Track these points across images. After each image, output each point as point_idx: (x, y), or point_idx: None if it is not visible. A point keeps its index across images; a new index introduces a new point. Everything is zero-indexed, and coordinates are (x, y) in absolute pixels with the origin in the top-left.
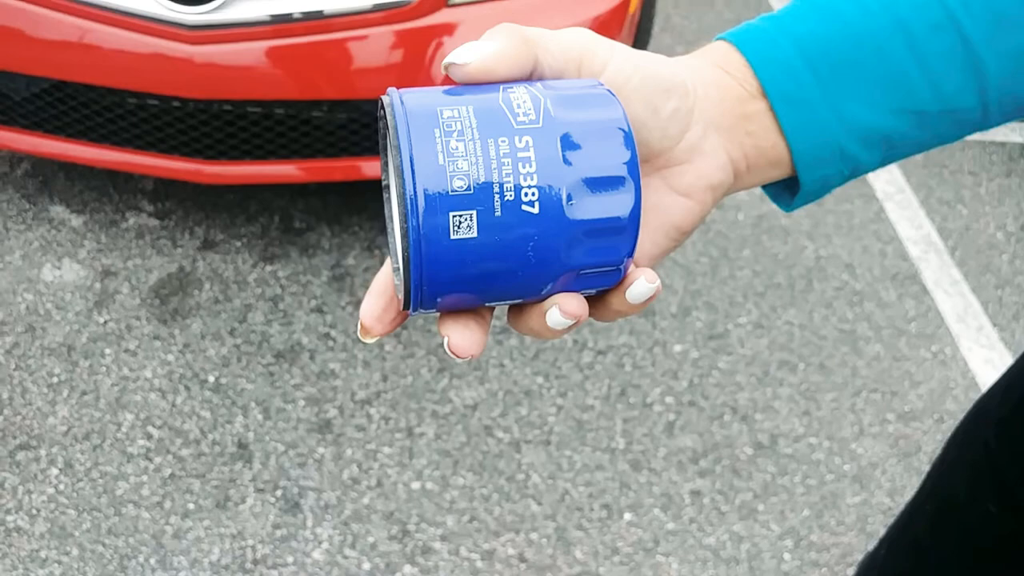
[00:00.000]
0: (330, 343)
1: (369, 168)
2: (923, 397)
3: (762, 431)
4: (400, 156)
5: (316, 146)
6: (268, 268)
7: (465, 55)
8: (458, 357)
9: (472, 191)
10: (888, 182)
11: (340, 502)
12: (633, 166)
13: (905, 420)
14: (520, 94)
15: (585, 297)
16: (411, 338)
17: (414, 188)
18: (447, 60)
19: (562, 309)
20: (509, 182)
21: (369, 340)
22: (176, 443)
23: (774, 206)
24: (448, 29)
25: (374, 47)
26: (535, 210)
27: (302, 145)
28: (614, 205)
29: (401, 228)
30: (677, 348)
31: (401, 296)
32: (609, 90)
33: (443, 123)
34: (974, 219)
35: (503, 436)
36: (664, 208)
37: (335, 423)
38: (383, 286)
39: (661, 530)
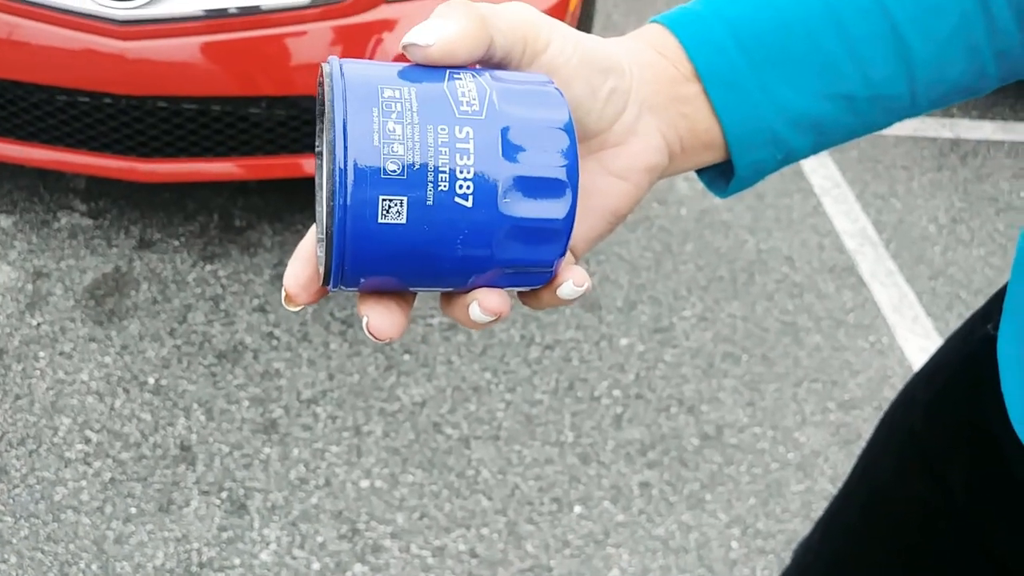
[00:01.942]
0: (274, 342)
1: (309, 165)
2: (862, 386)
3: (708, 422)
4: (334, 133)
5: (255, 143)
6: (208, 267)
7: (427, 35)
8: (377, 339)
9: (405, 176)
10: (825, 177)
11: (287, 502)
12: (573, 170)
13: (845, 408)
14: (466, 82)
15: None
16: (357, 336)
17: (344, 168)
18: (406, 40)
19: (481, 305)
20: (445, 172)
21: (293, 308)
22: (116, 446)
23: (716, 201)
24: (387, 25)
25: (312, 43)
26: (468, 203)
27: (240, 142)
28: (550, 208)
29: (327, 206)
30: (623, 342)
31: (322, 270)
32: (558, 89)
33: (382, 103)
34: (907, 212)
35: (452, 432)
36: (600, 191)
37: (281, 423)
38: (308, 253)
39: (611, 522)
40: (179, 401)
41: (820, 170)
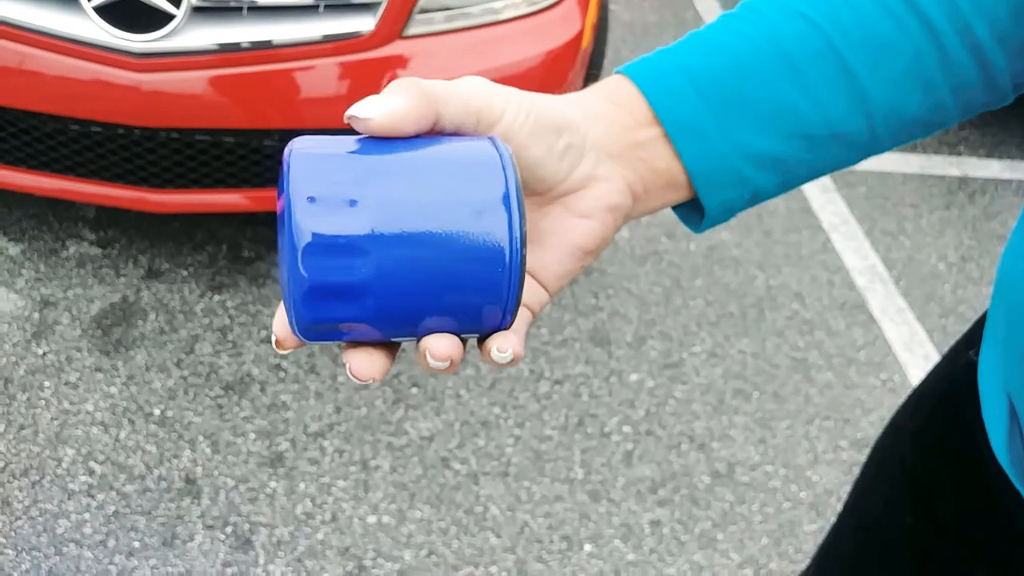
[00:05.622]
0: (281, 374)
1: None
2: (874, 424)
3: (719, 459)
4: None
5: (266, 175)
6: (216, 298)
7: (368, 110)
8: (359, 380)
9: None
10: (833, 213)
11: (293, 538)
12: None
13: (858, 447)
14: None
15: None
16: None
17: None
18: (350, 112)
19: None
20: None
21: (283, 351)
22: (120, 479)
23: (725, 237)
24: (402, 61)
25: (325, 78)
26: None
27: (251, 174)
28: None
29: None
30: (633, 377)
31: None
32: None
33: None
34: (917, 250)
35: (460, 468)
36: (566, 230)
37: (287, 456)
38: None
39: (622, 561)
40: (185, 433)
41: (828, 207)
